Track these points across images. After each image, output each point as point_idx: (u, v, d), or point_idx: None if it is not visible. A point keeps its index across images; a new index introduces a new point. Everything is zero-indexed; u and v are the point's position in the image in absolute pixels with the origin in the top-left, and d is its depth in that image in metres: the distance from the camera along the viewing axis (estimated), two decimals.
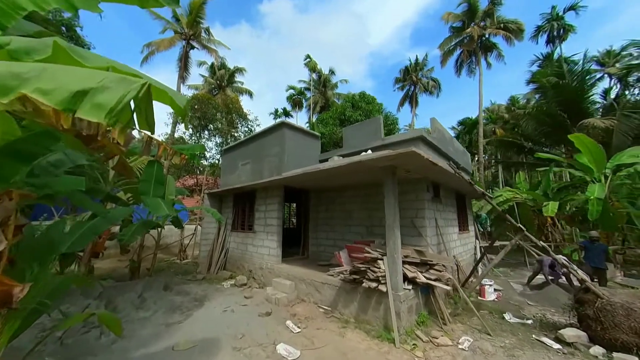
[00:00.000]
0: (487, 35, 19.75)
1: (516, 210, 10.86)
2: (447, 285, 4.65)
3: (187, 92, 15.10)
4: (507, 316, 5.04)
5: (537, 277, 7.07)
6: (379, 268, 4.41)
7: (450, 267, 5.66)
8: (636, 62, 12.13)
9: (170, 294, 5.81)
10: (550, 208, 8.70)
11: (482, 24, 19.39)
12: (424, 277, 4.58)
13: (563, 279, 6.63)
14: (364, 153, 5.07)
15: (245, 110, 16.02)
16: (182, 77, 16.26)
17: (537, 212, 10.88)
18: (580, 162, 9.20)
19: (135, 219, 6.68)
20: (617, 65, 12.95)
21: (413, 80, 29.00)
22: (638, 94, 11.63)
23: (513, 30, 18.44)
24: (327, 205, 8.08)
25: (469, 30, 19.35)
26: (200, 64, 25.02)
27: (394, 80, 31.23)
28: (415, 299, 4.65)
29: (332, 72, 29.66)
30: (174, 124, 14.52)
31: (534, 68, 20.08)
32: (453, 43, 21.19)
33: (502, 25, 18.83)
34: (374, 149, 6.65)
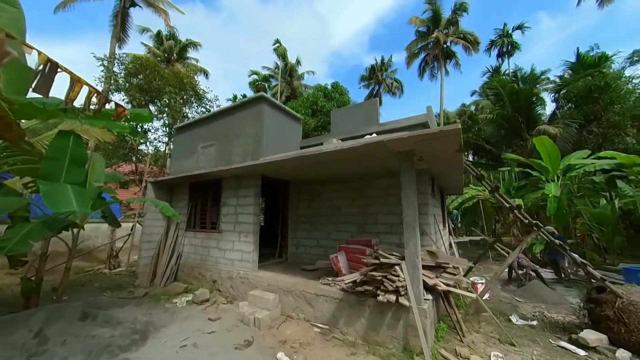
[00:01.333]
0: (448, 43, 20.99)
1: (481, 206, 11.41)
2: (471, 292, 4.04)
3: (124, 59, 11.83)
4: (513, 318, 4.73)
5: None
6: (398, 276, 3.52)
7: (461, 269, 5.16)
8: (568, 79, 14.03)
9: (92, 325, 3.93)
10: (520, 204, 9.18)
11: (445, 31, 20.49)
12: (443, 283, 3.88)
13: (532, 274, 6.83)
14: (367, 136, 4.13)
15: (202, 87, 13.52)
16: (119, 37, 12.80)
17: (498, 209, 11.60)
18: (537, 163, 9.98)
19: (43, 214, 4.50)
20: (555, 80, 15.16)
21: (378, 80, 29.52)
22: (571, 106, 13.40)
23: (471, 42, 19.96)
24: (309, 200, 6.94)
25: (434, 34, 20.26)
26: (143, 30, 20.87)
27: (359, 77, 31.40)
28: (433, 309, 3.93)
29: (298, 62, 28.20)
30: (107, 92, 11.29)
31: (484, 79, 22.13)
32: (418, 46, 22.00)
33: (462, 35, 20.21)
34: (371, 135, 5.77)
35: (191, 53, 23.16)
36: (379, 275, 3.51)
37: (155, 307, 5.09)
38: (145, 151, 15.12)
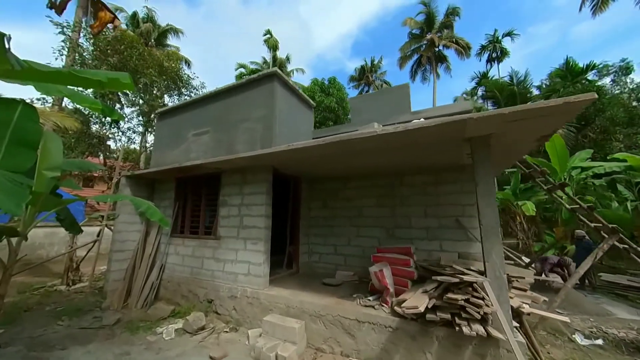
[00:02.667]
0: (440, 47, 21.13)
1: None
2: (559, 313, 3.28)
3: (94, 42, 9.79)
4: (577, 338, 4.08)
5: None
6: (483, 299, 2.65)
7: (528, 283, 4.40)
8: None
9: None
10: (530, 207, 8.88)
11: (438, 34, 20.59)
12: (526, 303, 3.09)
13: (559, 280, 6.40)
14: (416, 121, 3.28)
15: (186, 73, 11.92)
16: (85, 7, 10.81)
17: (501, 211, 11.35)
18: (545, 164, 9.82)
19: None
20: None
21: (368, 81, 29.25)
22: None
23: (463, 46, 20.22)
24: (324, 199, 5.95)
25: (429, 36, 20.28)
26: (116, 10, 18.59)
27: (348, 77, 31.00)
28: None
29: (288, 58, 27.08)
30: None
31: (472, 84, 22.55)
32: (411, 48, 21.93)
33: (454, 39, 20.43)
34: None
35: (171, 40, 21.17)
36: (461, 298, 2.61)
37: (133, 340, 3.79)
38: (116, 146, 13.14)
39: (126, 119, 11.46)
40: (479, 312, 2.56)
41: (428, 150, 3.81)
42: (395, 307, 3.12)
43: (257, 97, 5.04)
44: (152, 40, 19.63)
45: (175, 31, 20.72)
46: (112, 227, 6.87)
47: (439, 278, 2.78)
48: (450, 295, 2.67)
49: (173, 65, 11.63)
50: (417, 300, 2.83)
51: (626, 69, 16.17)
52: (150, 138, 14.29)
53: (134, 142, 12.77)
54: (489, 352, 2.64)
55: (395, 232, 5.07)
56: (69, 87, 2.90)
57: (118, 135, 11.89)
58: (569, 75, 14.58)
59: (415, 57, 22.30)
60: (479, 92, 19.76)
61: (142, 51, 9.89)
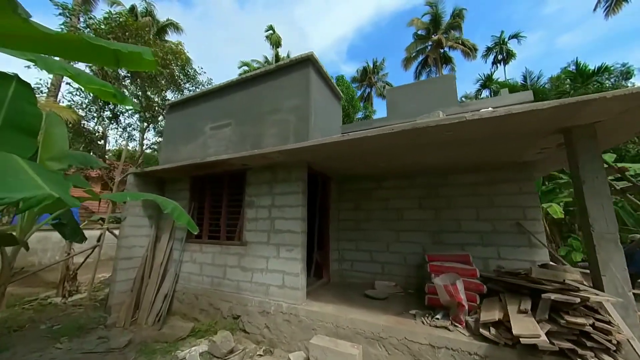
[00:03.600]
0: (446, 49, 21.00)
1: None
2: None
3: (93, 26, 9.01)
4: None
5: None
6: (609, 322, 2.14)
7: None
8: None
9: None
10: (557, 210, 8.52)
11: (444, 35, 20.47)
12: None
13: None
14: (484, 110, 2.81)
15: (193, 67, 11.26)
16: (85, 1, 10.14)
17: None
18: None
19: None
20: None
21: (370, 82, 28.99)
22: None
23: (469, 48, 20.13)
24: (356, 200, 5.41)
25: (436, 37, 20.14)
26: (113, 3, 17.87)
27: (350, 78, 30.69)
28: None
29: (289, 56, 26.63)
30: None
31: (477, 86, 22.44)
32: (417, 49, 21.76)
33: (461, 41, 20.33)
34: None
35: (171, 37, 20.46)
36: (587, 323, 2.09)
37: None
38: (117, 143, 12.34)
39: (127, 114, 10.72)
40: (610, 340, 2.05)
41: (494, 145, 3.33)
42: (483, 330, 2.58)
43: (289, 85, 4.49)
44: (151, 36, 18.93)
45: (176, 27, 20.02)
46: (115, 231, 6.19)
47: (552, 296, 2.26)
48: (570, 318, 2.14)
49: (183, 56, 10.95)
50: (524, 324, 2.29)
51: (627, 73, 16.22)
52: (148, 135, 13.54)
53: (134, 139, 12.04)
54: None
55: (442, 237, 4.55)
56: (73, 66, 2.29)
57: (118, 132, 11.14)
58: (579, 77, 14.45)
59: (421, 57, 22.12)
60: (483, 94, 19.63)
61: (148, 39, 9.23)
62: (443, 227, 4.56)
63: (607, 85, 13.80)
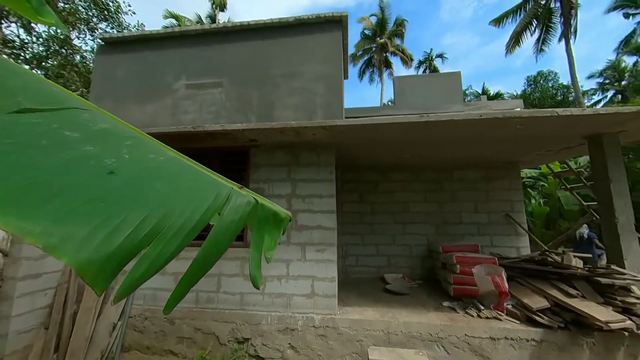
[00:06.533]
0: (388, 53, 22.69)
1: None
2: None
3: None
4: None
5: None
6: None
7: None
8: None
9: None
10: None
11: (389, 40, 22.01)
12: None
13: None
14: (505, 110, 2.98)
15: (117, 1, 7.91)
16: None
17: None
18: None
19: None
20: None
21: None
22: None
23: (407, 57, 22.36)
24: (361, 192, 5.03)
25: (382, 40, 21.38)
26: None
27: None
28: None
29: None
30: None
31: None
32: (364, 47, 22.67)
33: (401, 49, 22.32)
34: None
35: None
36: (638, 302, 2.41)
37: None
38: None
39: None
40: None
41: (508, 145, 3.59)
42: (535, 317, 2.69)
43: (313, 46, 3.61)
44: None
45: None
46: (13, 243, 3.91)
47: (615, 282, 2.51)
48: (627, 299, 2.43)
49: None
50: (598, 310, 2.47)
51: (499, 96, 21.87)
52: None
53: None
54: None
55: (446, 229, 4.73)
56: None
57: None
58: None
59: (367, 57, 23.21)
60: None
61: None
62: (446, 219, 4.75)
63: None
